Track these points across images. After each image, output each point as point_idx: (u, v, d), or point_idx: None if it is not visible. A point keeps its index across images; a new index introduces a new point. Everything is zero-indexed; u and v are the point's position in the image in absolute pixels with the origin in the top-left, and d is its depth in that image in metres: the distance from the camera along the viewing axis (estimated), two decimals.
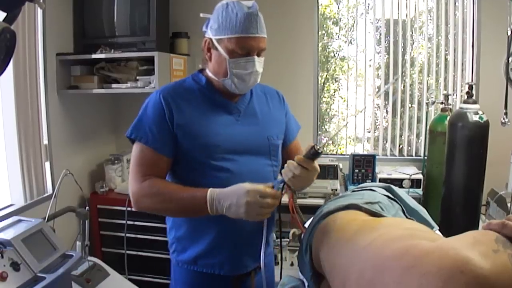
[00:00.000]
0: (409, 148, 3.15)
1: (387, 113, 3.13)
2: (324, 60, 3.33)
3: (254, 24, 1.24)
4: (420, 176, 2.65)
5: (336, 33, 3.33)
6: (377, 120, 3.27)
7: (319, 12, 3.09)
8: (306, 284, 1.14)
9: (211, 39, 1.30)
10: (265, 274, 1.37)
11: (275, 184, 1.22)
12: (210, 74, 1.36)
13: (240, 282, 1.42)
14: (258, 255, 1.36)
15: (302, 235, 1.20)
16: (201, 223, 1.36)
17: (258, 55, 1.30)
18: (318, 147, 1.12)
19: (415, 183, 2.63)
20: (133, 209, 2.46)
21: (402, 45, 3.05)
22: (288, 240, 2.57)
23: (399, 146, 3.13)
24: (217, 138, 1.31)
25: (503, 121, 2.23)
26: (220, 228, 1.34)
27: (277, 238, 1.93)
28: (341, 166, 2.87)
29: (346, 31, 3.26)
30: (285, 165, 1.20)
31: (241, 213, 1.15)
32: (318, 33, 3.05)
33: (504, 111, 2.26)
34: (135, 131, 1.31)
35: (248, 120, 1.39)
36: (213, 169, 1.29)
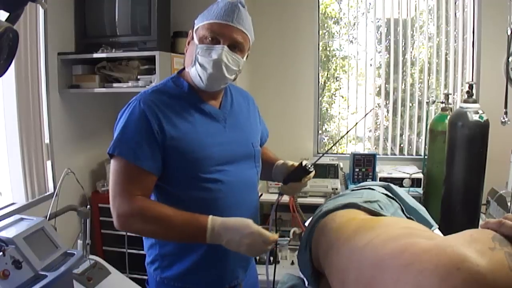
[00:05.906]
0: (410, 147, 3.15)
1: (387, 112, 3.13)
2: (325, 59, 3.33)
3: (231, 13, 1.18)
4: (420, 175, 2.66)
5: (337, 32, 3.33)
6: (377, 119, 3.27)
7: (320, 11, 3.10)
8: (306, 282, 1.15)
9: (192, 32, 1.26)
10: (247, 285, 1.37)
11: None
12: (188, 76, 1.28)
13: None
14: (247, 266, 1.37)
15: (302, 234, 1.21)
16: None
17: (231, 48, 1.19)
18: (308, 166, 1.11)
19: (415, 182, 2.64)
20: None
21: (403, 44, 3.06)
22: (288, 238, 2.57)
23: (400, 145, 3.14)
24: (210, 150, 1.22)
25: (503, 120, 2.23)
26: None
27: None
28: (341, 165, 2.88)
29: (347, 30, 3.27)
30: (282, 185, 1.22)
31: (241, 251, 1.09)
32: (319, 32, 3.05)
33: (504, 110, 2.25)
34: (119, 146, 1.17)
35: (233, 126, 1.31)
36: (203, 181, 1.21)
